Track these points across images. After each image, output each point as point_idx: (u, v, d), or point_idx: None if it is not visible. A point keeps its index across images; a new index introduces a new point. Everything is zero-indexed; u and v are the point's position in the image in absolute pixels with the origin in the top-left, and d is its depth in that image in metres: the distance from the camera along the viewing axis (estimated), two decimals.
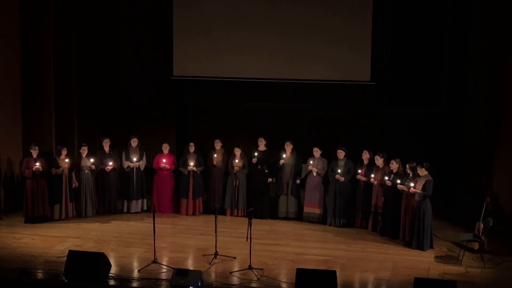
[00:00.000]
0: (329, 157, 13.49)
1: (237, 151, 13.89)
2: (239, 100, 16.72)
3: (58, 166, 13.29)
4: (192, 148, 14.04)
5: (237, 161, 13.84)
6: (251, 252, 10.62)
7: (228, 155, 14.05)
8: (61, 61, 14.92)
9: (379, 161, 12.74)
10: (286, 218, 13.73)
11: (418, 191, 11.69)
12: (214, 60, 15.44)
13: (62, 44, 14.91)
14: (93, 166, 13.67)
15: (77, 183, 13.60)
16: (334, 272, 9.69)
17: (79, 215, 13.68)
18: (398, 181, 12.09)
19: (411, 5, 15.51)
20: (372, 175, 12.71)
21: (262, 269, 10.65)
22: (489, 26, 13.89)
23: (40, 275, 10.44)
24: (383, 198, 12.56)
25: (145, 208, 14.20)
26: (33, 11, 14.33)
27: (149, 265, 10.72)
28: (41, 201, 13.18)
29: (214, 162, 13.99)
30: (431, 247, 11.87)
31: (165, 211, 14.02)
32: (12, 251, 11.51)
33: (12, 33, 14.03)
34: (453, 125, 15.17)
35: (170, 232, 12.78)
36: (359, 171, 13.03)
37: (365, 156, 13.07)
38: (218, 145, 14.10)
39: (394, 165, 12.41)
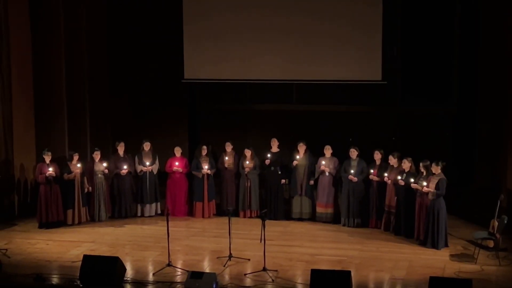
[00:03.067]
0: (341, 157, 13.47)
1: (248, 152, 13.89)
2: (250, 102, 16.74)
3: (70, 172, 13.32)
4: (204, 151, 14.05)
5: (248, 162, 13.83)
6: (265, 253, 10.61)
7: (239, 157, 14.06)
8: (72, 66, 14.99)
9: (392, 160, 12.70)
10: (300, 219, 13.71)
11: (432, 190, 11.65)
12: (224, 63, 15.48)
13: (73, 49, 14.98)
14: (106, 171, 13.71)
15: (90, 188, 13.64)
16: (349, 272, 9.66)
17: (93, 219, 13.72)
18: (412, 180, 12.04)
19: (420, 4, 15.49)
20: (386, 174, 12.68)
21: (276, 271, 10.63)
22: (497, 23, 13.85)
23: (55, 280, 10.46)
24: (395, 197, 12.53)
25: (159, 211, 14.22)
26: (43, 17, 14.40)
27: (163, 268, 10.73)
28: (55, 206, 13.22)
29: (226, 165, 14.00)
30: (446, 245, 11.82)
31: (179, 214, 14.04)
32: (27, 257, 11.55)
33: (23, 39, 14.09)
34: (465, 123, 15.13)
35: (184, 235, 12.79)
36: (372, 171, 13.00)
37: (377, 156, 13.03)
38: (229, 147, 14.11)
39: (406, 164, 12.37)
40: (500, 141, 13.73)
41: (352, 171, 13.12)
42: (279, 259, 11.19)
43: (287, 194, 14.01)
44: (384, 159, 12.92)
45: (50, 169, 13.09)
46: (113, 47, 16.26)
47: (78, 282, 10.17)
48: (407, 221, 12.30)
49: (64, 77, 14.77)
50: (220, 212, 14.06)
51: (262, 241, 10.56)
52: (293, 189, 13.76)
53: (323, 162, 13.47)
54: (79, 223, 13.48)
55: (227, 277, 10.50)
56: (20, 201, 14.19)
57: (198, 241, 12.48)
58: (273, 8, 15.12)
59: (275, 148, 14.00)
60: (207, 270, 10.60)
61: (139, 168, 14.01)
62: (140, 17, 16.27)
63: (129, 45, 16.38)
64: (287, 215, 13.85)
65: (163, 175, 14.28)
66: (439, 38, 15.45)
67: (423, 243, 11.89)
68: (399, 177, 12.35)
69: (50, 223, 13.19)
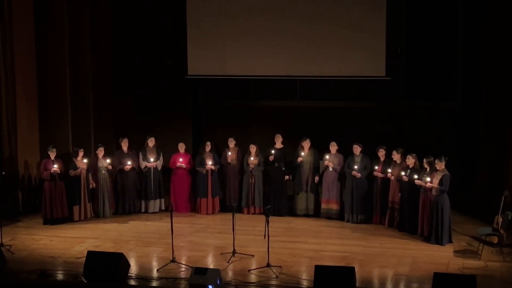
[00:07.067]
0: (345, 154, 13.47)
1: (253, 148, 13.90)
2: (253, 98, 16.71)
3: (75, 168, 13.34)
4: (208, 147, 14.07)
5: (252, 158, 13.84)
6: (269, 249, 10.60)
7: (243, 153, 14.07)
8: (76, 62, 14.98)
9: (396, 156, 12.70)
10: (306, 216, 13.71)
11: (435, 186, 11.64)
12: (228, 59, 15.45)
13: (77, 46, 14.97)
14: (110, 167, 13.73)
15: (94, 184, 13.67)
16: (353, 268, 9.67)
17: (97, 215, 13.74)
18: (415, 176, 12.04)
19: (425, 0, 15.46)
20: (389, 170, 12.67)
21: (280, 267, 10.63)
22: (502, 20, 13.81)
23: (59, 276, 10.48)
24: (399, 193, 12.52)
25: (163, 207, 14.24)
26: (47, 14, 14.41)
27: (167, 264, 10.74)
28: (59, 202, 13.25)
29: (229, 160, 14.02)
30: (450, 241, 11.82)
31: (183, 210, 14.06)
32: (31, 253, 11.58)
33: (27, 37, 14.10)
34: (469, 119, 15.09)
35: (188, 231, 12.81)
36: (376, 167, 12.99)
37: (381, 153, 13.03)
38: (232, 143, 14.12)
39: (410, 160, 12.37)
40: (504, 137, 13.69)
41: (355, 167, 13.12)
42: (283, 255, 11.19)
43: (291, 191, 14.00)
44: (388, 156, 12.92)
45: (55, 165, 13.12)
46: (116, 43, 16.24)
47: (82, 278, 10.20)
48: (411, 217, 12.30)
49: (68, 74, 14.77)
50: (223, 208, 14.08)
51: (266, 237, 10.56)
52: (298, 185, 13.76)
53: (327, 157, 13.47)
54: (85, 219, 13.50)
55: (231, 273, 10.51)
56: (24, 197, 14.21)
57: (202, 237, 12.50)
58: (277, 5, 15.07)
59: (279, 144, 14.00)
60: (211, 266, 10.62)
61: (144, 164, 14.03)
62: (144, 13, 16.23)
63: (132, 41, 16.35)
64: (291, 212, 13.85)
65: (167, 171, 14.29)
66: (443, 33, 15.39)
67: (427, 239, 11.89)
68: (402, 173, 12.35)
69: (55, 219, 13.22)
